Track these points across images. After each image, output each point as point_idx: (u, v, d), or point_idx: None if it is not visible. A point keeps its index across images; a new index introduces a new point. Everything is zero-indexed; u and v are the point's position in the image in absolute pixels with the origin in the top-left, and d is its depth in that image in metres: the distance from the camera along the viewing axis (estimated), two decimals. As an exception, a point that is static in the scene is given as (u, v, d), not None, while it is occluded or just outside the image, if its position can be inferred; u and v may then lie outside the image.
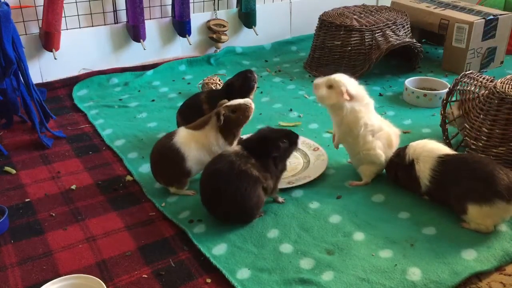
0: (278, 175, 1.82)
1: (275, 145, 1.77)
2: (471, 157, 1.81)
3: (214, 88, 2.75)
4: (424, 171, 1.83)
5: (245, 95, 2.19)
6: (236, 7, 3.51)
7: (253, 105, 1.93)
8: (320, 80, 1.94)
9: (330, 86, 1.90)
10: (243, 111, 1.91)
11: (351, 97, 1.89)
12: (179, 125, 2.26)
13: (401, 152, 1.93)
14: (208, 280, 1.56)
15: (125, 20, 3.12)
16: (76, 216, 1.86)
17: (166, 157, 1.90)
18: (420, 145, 1.89)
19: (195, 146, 1.90)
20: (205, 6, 3.38)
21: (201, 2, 3.36)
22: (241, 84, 2.23)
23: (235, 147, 1.82)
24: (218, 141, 1.92)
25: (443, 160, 1.80)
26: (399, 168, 1.92)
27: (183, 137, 1.91)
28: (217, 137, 1.91)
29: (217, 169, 1.72)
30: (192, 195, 1.96)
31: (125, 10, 3.08)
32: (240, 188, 1.70)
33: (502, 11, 3.19)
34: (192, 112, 2.22)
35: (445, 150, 1.85)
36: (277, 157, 1.78)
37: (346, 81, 1.90)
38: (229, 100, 1.99)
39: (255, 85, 2.26)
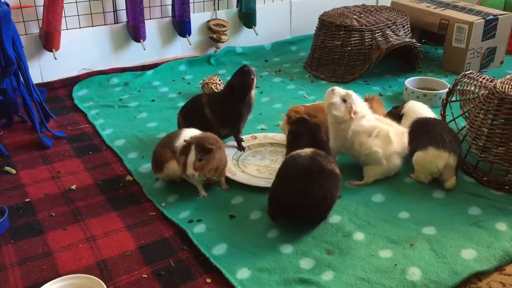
0: None
1: (318, 124, 1.88)
2: (431, 120, 2.08)
3: (214, 88, 2.74)
4: (405, 126, 2.11)
5: (248, 92, 2.17)
6: (236, 7, 3.51)
7: None
8: (338, 89, 2.01)
9: (344, 100, 1.98)
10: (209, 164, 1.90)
11: (355, 114, 1.97)
12: (180, 126, 2.27)
13: (400, 105, 2.25)
14: (208, 280, 1.56)
15: (125, 20, 3.12)
16: (76, 216, 1.86)
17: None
18: (413, 105, 2.20)
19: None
20: (205, 6, 3.38)
21: (201, 2, 3.36)
22: (241, 82, 2.17)
23: (306, 150, 1.76)
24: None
25: (416, 121, 2.10)
26: (395, 118, 2.16)
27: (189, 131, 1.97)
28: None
29: (304, 166, 1.70)
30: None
31: (125, 10, 3.08)
32: (330, 187, 1.70)
33: (502, 11, 3.19)
34: (194, 115, 2.21)
35: (424, 114, 2.14)
36: None
37: (357, 100, 2.00)
38: (226, 107, 2.12)
39: (255, 79, 2.20)
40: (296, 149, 1.79)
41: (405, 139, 2.03)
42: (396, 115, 2.21)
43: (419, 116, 2.12)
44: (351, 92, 2.00)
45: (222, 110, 2.17)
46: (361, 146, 1.98)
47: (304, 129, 1.86)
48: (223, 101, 2.18)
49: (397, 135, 2.00)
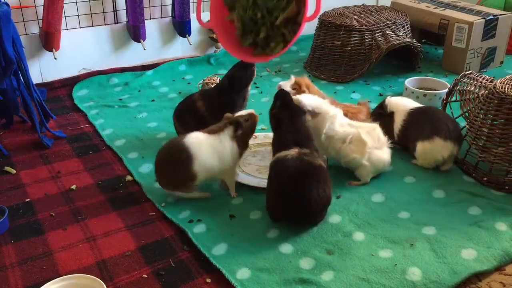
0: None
1: (300, 109, 1.88)
2: (430, 109, 2.18)
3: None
4: (397, 121, 2.17)
5: (248, 83, 2.20)
6: (236, 7, 3.50)
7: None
8: None
9: None
10: (254, 118, 1.95)
11: (314, 115, 1.98)
12: (175, 126, 2.27)
13: (383, 104, 2.26)
14: (208, 280, 1.56)
15: (125, 20, 3.12)
16: (76, 216, 1.86)
17: (172, 155, 1.85)
18: (397, 100, 2.25)
19: (207, 149, 1.85)
20: (205, 6, 3.38)
21: (201, 2, 3.36)
22: (244, 73, 2.18)
23: (292, 151, 1.75)
24: (233, 149, 1.89)
25: (411, 112, 2.16)
26: (381, 118, 2.19)
27: (195, 137, 1.88)
28: (233, 145, 1.89)
29: (299, 169, 1.70)
30: (206, 197, 1.94)
31: (125, 10, 3.08)
32: (327, 182, 1.74)
33: (502, 11, 3.19)
34: (187, 112, 2.22)
35: (413, 104, 2.21)
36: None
37: (308, 101, 1.97)
38: (221, 97, 2.11)
39: (255, 71, 2.23)
40: (282, 141, 1.81)
41: (379, 132, 2.00)
42: (383, 115, 2.23)
43: (412, 106, 2.19)
44: (297, 97, 1.99)
45: (216, 100, 2.18)
46: (338, 153, 1.99)
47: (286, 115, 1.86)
48: (218, 92, 2.20)
49: (368, 133, 1.98)
